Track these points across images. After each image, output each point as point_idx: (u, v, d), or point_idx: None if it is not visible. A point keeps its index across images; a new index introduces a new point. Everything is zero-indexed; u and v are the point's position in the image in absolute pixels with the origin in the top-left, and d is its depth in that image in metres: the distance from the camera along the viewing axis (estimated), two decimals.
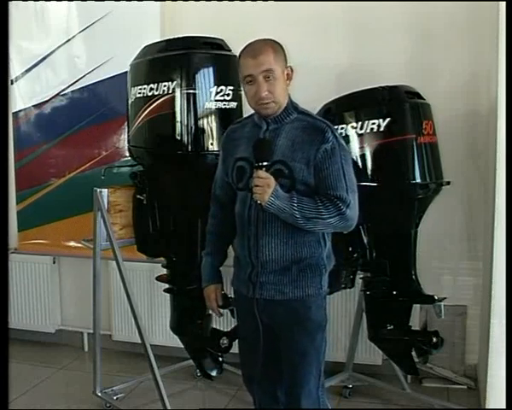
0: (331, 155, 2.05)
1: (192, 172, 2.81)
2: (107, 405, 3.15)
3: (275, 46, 2.10)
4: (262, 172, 2.02)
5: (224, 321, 3.14)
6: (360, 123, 2.74)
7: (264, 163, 2.03)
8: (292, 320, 2.16)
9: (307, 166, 2.06)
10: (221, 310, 2.38)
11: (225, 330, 3.06)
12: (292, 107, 2.14)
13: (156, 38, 3.21)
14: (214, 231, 2.35)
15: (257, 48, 2.08)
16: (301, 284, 2.13)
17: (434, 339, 2.88)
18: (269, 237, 2.11)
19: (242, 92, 2.81)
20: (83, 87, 3.70)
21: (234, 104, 2.82)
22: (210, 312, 2.98)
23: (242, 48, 2.13)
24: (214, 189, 2.34)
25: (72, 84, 3.72)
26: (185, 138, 2.75)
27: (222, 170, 2.28)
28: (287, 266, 2.12)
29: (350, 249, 2.89)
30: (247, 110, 2.73)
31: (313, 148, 2.05)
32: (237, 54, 2.80)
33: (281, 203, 2.01)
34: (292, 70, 2.13)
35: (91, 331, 3.28)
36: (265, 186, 2.00)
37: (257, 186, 2.01)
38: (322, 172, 2.06)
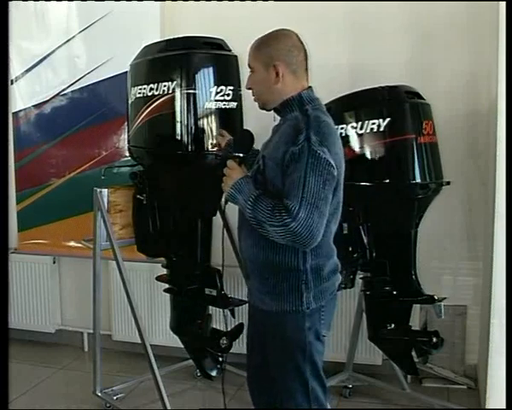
0: (297, 159, 1.85)
1: (192, 172, 2.81)
2: (107, 405, 3.15)
3: (260, 42, 2.05)
4: (230, 162, 2.00)
5: (223, 321, 3.13)
6: (360, 123, 2.74)
7: (238, 154, 2.02)
8: (270, 333, 2.06)
9: (277, 167, 1.91)
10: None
11: (225, 330, 3.06)
12: (297, 104, 1.99)
13: (156, 38, 3.21)
14: None
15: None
16: (278, 297, 1.99)
17: (434, 339, 2.88)
18: (245, 237, 2.07)
19: (242, 92, 2.86)
20: (83, 87, 3.70)
21: (234, 104, 2.82)
22: (210, 312, 2.99)
23: None
24: None
25: (72, 84, 3.72)
26: (185, 138, 2.74)
27: None
28: (264, 275, 2.02)
29: (350, 249, 2.89)
30: (247, 110, 2.75)
31: (286, 149, 1.89)
32: (237, 54, 2.84)
33: (241, 198, 1.92)
34: (280, 66, 1.98)
35: (91, 331, 3.28)
36: (228, 177, 1.98)
37: (223, 176, 2.00)
38: (286, 176, 1.88)
